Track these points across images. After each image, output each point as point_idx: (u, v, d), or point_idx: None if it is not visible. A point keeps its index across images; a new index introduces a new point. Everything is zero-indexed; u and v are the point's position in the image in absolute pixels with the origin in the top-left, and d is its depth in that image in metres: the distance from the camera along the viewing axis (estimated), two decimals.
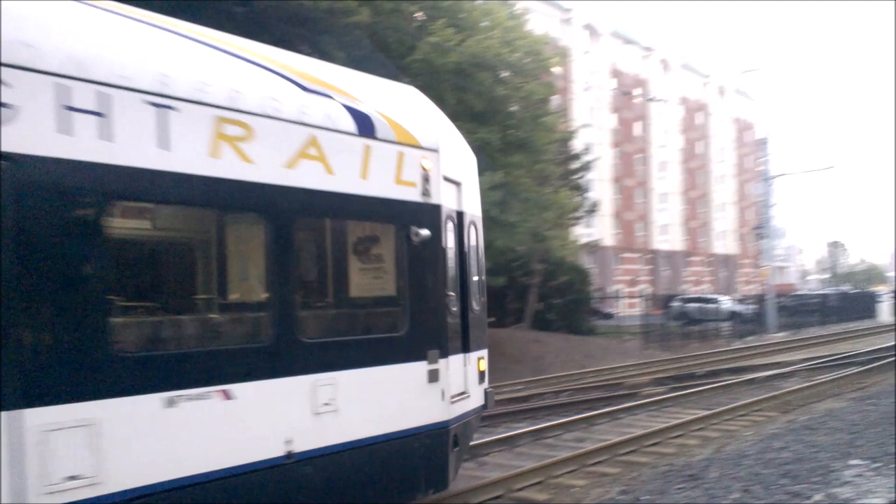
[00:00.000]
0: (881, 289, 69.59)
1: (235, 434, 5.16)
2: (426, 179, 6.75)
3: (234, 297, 6.14)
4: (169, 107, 4.87)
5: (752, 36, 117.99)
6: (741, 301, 43.30)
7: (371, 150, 6.19)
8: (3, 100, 4.12)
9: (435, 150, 6.83)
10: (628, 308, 46.56)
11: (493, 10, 20.21)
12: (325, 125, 5.86)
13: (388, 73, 9.05)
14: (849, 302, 49.57)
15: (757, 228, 64.03)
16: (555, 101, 29.17)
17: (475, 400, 7.69)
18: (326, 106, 5.96)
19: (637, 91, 61.93)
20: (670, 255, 71.95)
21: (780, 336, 34.49)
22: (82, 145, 4.45)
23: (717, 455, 10.50)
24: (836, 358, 22.80)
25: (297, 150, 5.66)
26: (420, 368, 6.66)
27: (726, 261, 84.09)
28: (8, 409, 4.05)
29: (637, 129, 67.49)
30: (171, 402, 4.80)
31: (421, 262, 6.69)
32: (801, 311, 41.90)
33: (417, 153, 6.64)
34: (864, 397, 15.31)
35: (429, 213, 6.75)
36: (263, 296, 5.69)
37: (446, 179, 7.02)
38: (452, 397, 7.02)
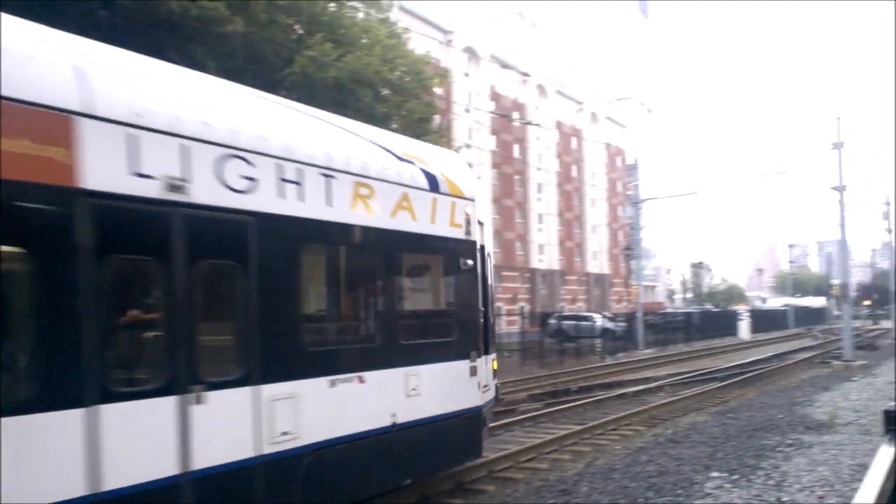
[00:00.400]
0: (741, 307, 74.10)
1: (366, 407, 7.30)
2: (468, 222, 9.03)
3: (363, 309, 8.15)
4: (331, 176, 6.98)
5: (624, 67, 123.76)
6: (613, 319, 44.85)
7: (437, 201, 8.44)
8: (250, 175, 6.13)
9: (473, 200, 9.15)
10: (507, 325, 47.34)
11: (373, 27, 20.12)
12: (411, 184, 8.07)
13: (264, 86, 8.72)
14: (711, 320, 52.32)
15: (627, 249, 66.97)
16: (436, 120, 29.37)
17: (492, 392, 9.80)
18: (411, 170, 8.15)
19: (515, 114, 63.53)
20: (548, 274, 73.92)
21: (649, 352, 35.93)
22: (289, 205, 6.50)
23: (588, 470, 10.67)
24: (699, 373, 23.93)
25: (396, 203, 7.83)
26: (465, 365, 8.89)
27: (599, 280, 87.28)
28: (253, 384, 6.06)
29: (516, 151, 69.18)
30: (332, 384, 6.90)
31: (465, 284, 9.08)
32: (667, 328, 43.81)
33: (463, 203, 8.92)
34: (724, 411, 16.07)
35: (470, 248, 9.07)
36: (380, 308, 7.88)
37: (478, 222, 9.32)
38: (483, 388, 9.22)
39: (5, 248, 4.74)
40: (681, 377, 22.87)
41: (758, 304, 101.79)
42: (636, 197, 52.99)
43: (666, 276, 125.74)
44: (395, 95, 20.34)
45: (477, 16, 67.58)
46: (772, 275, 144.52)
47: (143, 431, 5.26)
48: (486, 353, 9.50)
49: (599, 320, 42.81)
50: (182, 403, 5.51)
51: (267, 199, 6.27)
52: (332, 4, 19.60)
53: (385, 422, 7.53)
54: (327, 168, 6.93)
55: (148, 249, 5.58)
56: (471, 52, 61.82)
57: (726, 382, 21.22)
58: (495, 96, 65.69)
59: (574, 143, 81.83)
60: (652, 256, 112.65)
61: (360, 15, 20.67)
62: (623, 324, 41.25)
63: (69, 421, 4.79)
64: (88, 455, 4.87)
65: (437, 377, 8.35)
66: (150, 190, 5.41)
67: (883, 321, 65.81)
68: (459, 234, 8.89)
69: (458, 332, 8.86)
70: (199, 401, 5.61)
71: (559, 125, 77.39)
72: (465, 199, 8.94)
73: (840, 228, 28.66)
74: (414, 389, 7.93)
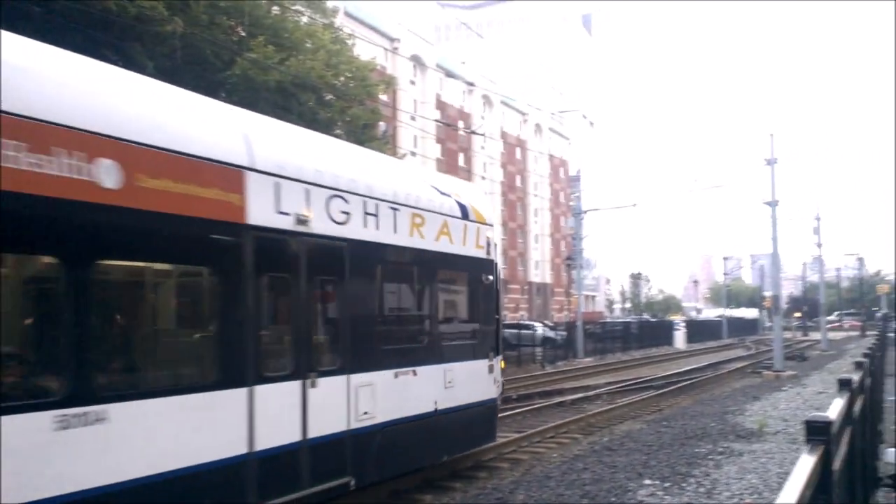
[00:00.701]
0: (677, 318, 75.77)
1: (418, 395, 9.23)
2: (488, 244, 11.08)
3: (415, 315, 9.77)
4: (396, 209, 8.89)
5: (568, 81, 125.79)
6: (554, 328, 45.30)
7: (467, 227, 10.51)
8: (345, 210, 7.97)
9: (491, 226, 11.33)
10: None
11: (317, 32, 19.93)
12: (449, 213, 10.11)
13: (204, 88, 8.55)
14: (649, 330, 53.34)
15: (569, 259, 67.71)
16: (381, 127, 29.26)
17: (500, 387, 11.59)
18: (450, 202, 10.21)
19: (461, 124, 63.81)
20: None
21: (588, 361, 36.38)
22: (369, 232, 8.38)
23: (525, 478, 10.71)
24: (636, 382, 24.33)
25: (439, 229, 9.84)
26: (485, 364, 10.95)
27: (541, 289, 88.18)
28: (346, 374, 7.92)
29: (461, 160, 69.48)
30: (396, 376, 8.78)
31: (485, 296, 11.10)
32: (606, 337, 44.48)
33: (485, 228, 11.04)
34: (659, 419, 16.34)
35: (489, 266, 11.13)
36: (427, 315, 9.81)
37: (494, 244, 11.38)
38: (496, 383, 11.24)
39: (201, 269, 6.78)
40: (618, 385, 23.23)
41: (693, 314, 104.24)
42: (578, 208, 53.66)
43: (606, 287, 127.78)
44: (339, 101, 20.16)
45: (423, 25, 67.84)
46: (707, 286, 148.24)
47: (279, 406, 7.06)
48: (497, 354, 11.44)
49: (540, 329, 43.17)
50: (303, 386, 7.38)
51: (356, 229, 8.26)
52: (275, 8, 19.36)
53: (430, 407, 9.53)
54: (394, 202, 8.94)
55: (285, 269, 7.41)
56: (417, 61, 61.92)
57: (662, 391, 21.62)
58: (441, 105, 65.92)
59: (518, 153, 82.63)
60: (592, 267, 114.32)
61: (304, 19, 20.44)
62: (563, 333, 41.68)
63: (237, 397, 6.62)
64: (248, 423, 6.68)
65: (465, 373, 10.36)
66: (287, 224, 7.25)
67: (812, 333, 68.11)
68: (482, 254, 11.01)
69: (479, 336, 11.02)
70: (313, 385, 7.50)
71: (504, 135, 78.05)
72: (486, 224, 11.15)
73: (772, 242, 29.55)
74: (449, 382, 9.96)
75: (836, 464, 3.22)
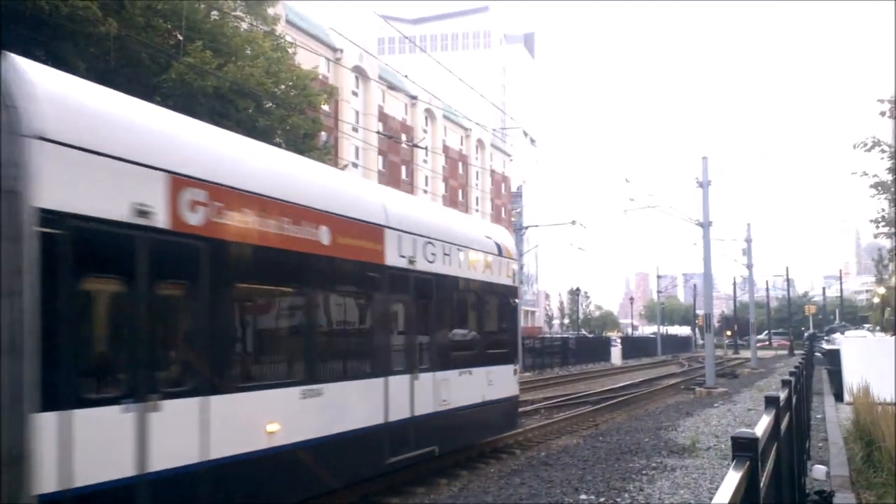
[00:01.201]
0: (613, 334, 76.90)
1: (473, 389, 12.38)
2: (514, 274, 14.62)
3: (470, 329, 13.13)
4: (461, 250, 12.30)
5: (511, 98, 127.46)
6: None
7: (501, 262, 13.86)
8: (433, 252, 11.31)
9: (516, 259, 14.93)
10: None
11: (257, 38, 19.65)
12: (490, 251, 13.46)
13: (138, 91, 8.27)
14: (586, 345, 53.98)
15: None
16: (322, 137, 28.98)
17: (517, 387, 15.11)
18: (490, 242, 13.64)
19: (403, 136, 63.85)
20: None
21: (527, 375, 36.53)
22: (446, 268, 11.74)
23: (462, 493, 10.62)
24: (573, 397, 24.51)
25: (485, 264, 13.25)
26: (511, 368, 14.29)
27: None
28: (433, 371, 11.21)
29: (403, 173, 69.45)
30: (460, 374, 12.00)
31: (510, 315, 14.57)
32: (545, 352, 44.82)
33: (511, 261, 14.51)
34: (595, 434, 16.46)
35: (514, 291, 14.72)
36: (476, 329, 13.23)
37: (515, 272, 14.99)
38: (517, 383, 14.90)
39: (366, 293, 9.96)
40: (556, 400, 23.35)
41: (629, 331, 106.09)
42: (519, 224, 54.14)
43: (545, 302, 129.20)
44: (279, 109, 19.88)
45: (367, 37, 67.75)
46: (643, 303, 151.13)
47: (399, 391, 10.36)
48: (517, 361, 15.27)
49: None
50: (411, 379, 10.71)
51: (438, 266, 11.65)
52: (214, 13, 19.02)
53: (479, 399, 12.82)
54: (459, 245, 12.43)
55: (403, 296, 10.77)
56: (359, 72, 61.76)
57: (598, 406, 21.83)
58: (383, 117, 65.83)
59: (461, 168, 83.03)
60: (533, 282, 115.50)
61: (244, 25, 20.13)
62: None
63: (379, 384, 9.98)
64: (384, 401, 10.02)
65: (500, 374, 13.66)
66: (404, 263, 10.61)
67: (742, 351, 70.02)
68: (509, 282, 14.51)
69: (508, 346, 14.39)
70: (416, 378, 10.80)
71: (446, 150, 78.38)
72: (512, 259, 14.69)
73: (705, 262, 30.27)
74: (490, 381, 13.20)
75: (763, 479, 3.22)
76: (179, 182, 6.77)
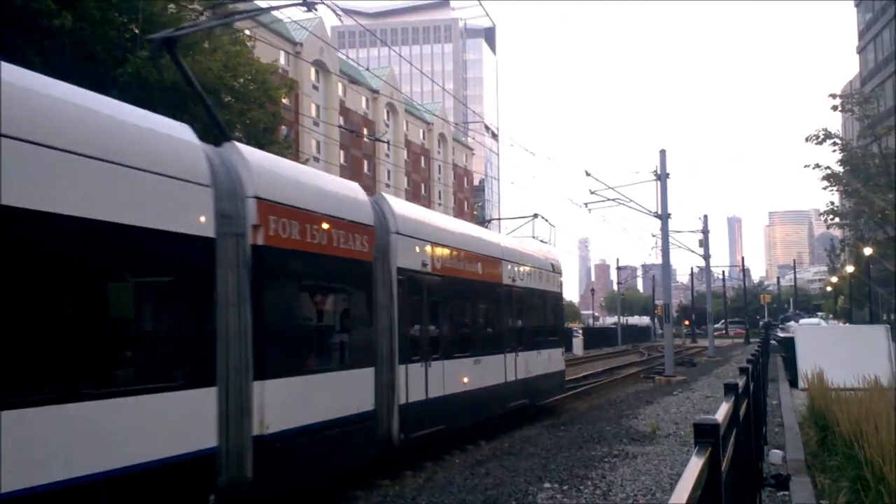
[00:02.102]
0: (575, 325, 77.64)
1: (542, 364, 17.89)
2: (560, 285, 20.38)
3: (537, 323, 18.39)
4: (535, 268, 18.03)
5: (473, 92, 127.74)
6: None
7: (554, 276, 19.67)
8: (524, 273, 17.17)
9: (561, 273, 20.50)
10: None
11: (215, 32, 19.37)
12: (547, 269, 19.06)
13: (94, 85, 8.07)
14: None
15: None
16: (283, 131, 28.71)
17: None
18: (547, 262, 19.28)
19: (365, 131, 63.54)
20: None
21: None
22: (529, 283, 17.59)
23: (427, 484, 10.66)
24: None
25: (544, 277, 18.66)
26: (561, 350, 19.91)
27: None
28: (521, 351, 16.41)
29: (366, 167, 69.13)
30: (538, 354, 17.72)
31: (559, 313, 20.63)
32: None
33: (559, 275, 20.20)
34: (557, 424, 16.65)
35: (560, 295, 20.69)
36: (541, 323, 18.68)
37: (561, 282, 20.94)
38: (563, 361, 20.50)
39: (493, 304, 15.54)
40: None
41: (590, 322, 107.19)
42: (481, 217, 54.33)
43: None
44: (238, 103, 19.65)
45: (326, 31, 67.16)
46: (603, 295, 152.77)
47: (508, 364, 15.56)
48: (563, 345, 21.35)
49: None
50: (514, 356, 15.86)
51: (525, 282, 16.99)
52: (171, 6, 18.71)
53: (545, 371, 17.99)
54: (534, 266, 17.85)
55: (510, 303, 16.15)
56: (320, 66, 61.24)
57: (560, 396, 22.04)
58: (345, 111, 65.41)
59: (423, 162, 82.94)
60: None
61: (203, 18, 19.83)
62: None
63: (500, 359, 15.35)
64: (504, 369, 15.49)
65: (555, 355, 19.15)
66: (510, 282, 16.03)
67: (700, 340, 71.21)
68: (559, 289, 20.35)
69: (559, 335, 20.31)
70: (516, 356, 15.98)
71: (409, 144, 78.21)
72: (560, 273, 20.38)
73: (663, 254, 30.78)
74: (550, 359, 18.51)
75: (724, 464, 3.33)
76: (443, 247, 13.05)
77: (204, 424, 7.17)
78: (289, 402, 8.42)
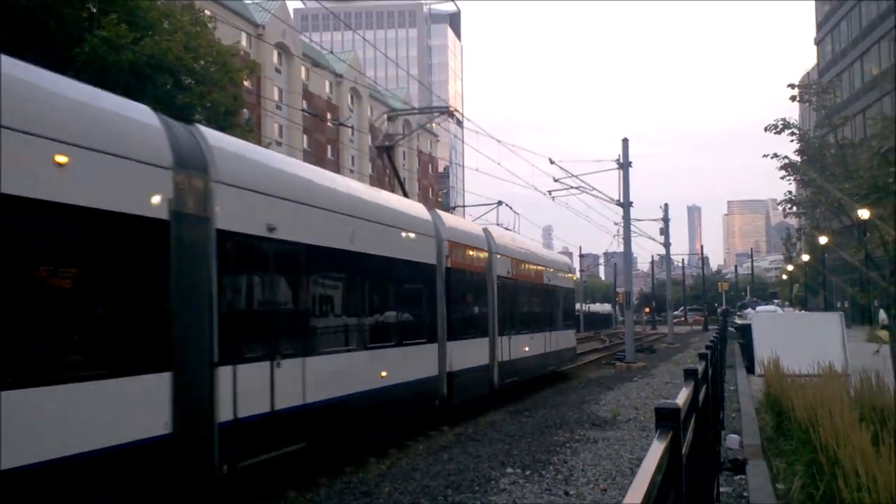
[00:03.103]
0: None
1: (563, 341, 24.47)
2: (573, 280, 29.32)
3: (553, 309, 23.65)
4: (557, 270, 24.97)
5: (437, 78, 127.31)
6: None
7: (568, 274, 27.11)
8: (552, 274, 24.23)
9: (573, 271, 31.65)
10: None
11: (175, 12, 19.00)
12: (565, 270, 26.85)
13: (50, 65, 7.79)
14: None
15: None
16: (244, 115, 28.29)
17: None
18: (563, 264, 27.37)
19: (328, 115, 62.92)
20: None
21: None
22: (552, 281, 23.90)
23: (391, 470, 10.67)
24: None
25: (564, 276, 25.90)
26: (573, 331, 27.26)
27: None
28: (548, 331, 22.48)
29: (329, 152, 68.52)
30: (562, 332, 24.52)
31: (572, 301, 28.22)
32: None
33: (571, 273, 28.86)
34: (521, 409, 16.79)
35: (573, 290, 28.93)
36: (556, 309, 24.00)
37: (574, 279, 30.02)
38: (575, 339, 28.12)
39: (546, 298, 23.35)
40: None
41: None
42: (446, 204, 54.27)
43: None
44: (198, 85, 19.30)
45: (289, 14, 66.25)
46: None
47: (541, 341, 21.45)
48: (575, 327, 29.34)
49: None
50: (545, 336, 21.95)
51: (553, 280, 23.75)
52: None
53: (564, 346, 24.56)
54: (557, 269, 24.84)
55: (551, 295, 23.62)
56: (282, 48, 60.41)
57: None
58: (308, 95, 64.67)
59: None
60: None
61: None
62: None
63: (541, 336, 21.60)
64: (544, 344, 21.87)
65: (570, 334, 25.87)
66: (547, 282, 23.34)
67: (660, 326, 72.25)
68: (572, 284, 27.65)
69: (572, 319, 27.42)
70: (549, 335, 22.52)
71: (373, 129, 77.71)
72: (572, 272, 28.94)
73: (625, 241, 31.09)
74: (567, 337, 25.01)
75: (684, 448, 3.36)
76: (522, 263, 20.37)
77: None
78: (470, 353, 15.82)
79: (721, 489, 8.09)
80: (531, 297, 21.06)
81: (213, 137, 8.45)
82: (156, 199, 7.11)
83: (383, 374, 11.69)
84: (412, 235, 13.19)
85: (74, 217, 6.25)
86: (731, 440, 10.72)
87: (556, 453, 11.12)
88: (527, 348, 19.59)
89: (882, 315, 27.58)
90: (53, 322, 6.32)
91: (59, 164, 6.16)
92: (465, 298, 16.04)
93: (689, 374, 4.67)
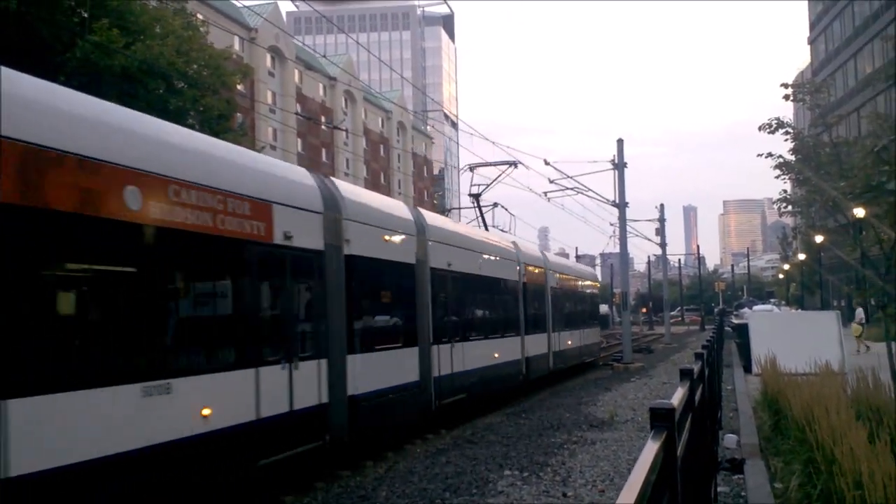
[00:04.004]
0: None
1: (591, 336, 29.76)
2: (598, 286, 37.63)
3: (583, 309, 29.20)
4: (585, 280, 31.37)
5: (431, 80, 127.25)
6: None
7: (594, 283, 35.02)
8: (587, 282, 32.31)
9: (599, 280, 41.69)
10: None
11: (166, 16, 18.94)
12: (592, 279, 34.62)
13: (41, 72, 7.72)
14: None
15: None
16: (238, 119, 28.25)
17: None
18: (590, 274, 35.34)
19: (322, 118, 62.86)
20: None
21: None
22: (586, 288, 31.26)
23: (388, 474, 10.61)
24: None
25: (591, 284, 32.76)
26: (598, 329, 33.27)
27: None
28: (581, 328, 27.49)
29: (324, 155, 68.46)
30: (591, 329, 30.10)
31: (598, 304, 36.77)
32: None
33: (597, 282, 38.16)
34: (518, 411, 16.73)
35: (598, 294, 36.78)
36: (585, 309, 29.60)
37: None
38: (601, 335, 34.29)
39: (582, 299, 29.67)
40: None
41: None
42: (442, 206, 54.22)
43: None
44: (191, 90, 19.25)
45: (282, 17, 66.22)
46: None
47: (580, 334, 27.19)
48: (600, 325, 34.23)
49: None
50: (579, 331, 27.06)
51: (586, 287, 30.72)
52: None
53: (592, 341, 29.79)
54: (586, 278, 31.71)
55: (591, 300, 32.28)
56: (276, 52, 60.36)
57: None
58: (302, 99, 64.61)
59: (382, 150, 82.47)
60: None
61: (153, 3, 19.37)
62: None
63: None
64: (580, 340, 27.23)
65: (594, 331, 30.61)
66: (589, 290, 32.23)
67: (657, 327, 72.25)
68: (597, 290, 35.18)
69: (596, 318, 32.70)
70: (583, 330, 28.01)
71: (367, 132, 77.68)
72: (597, 280, 38.30)
73: (621, 242, 31.09)
74: (594, 333, 30.57)
75: (679, 448, 3.33)
76: (561, 275, 25.83)
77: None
78: (536, 344, 21.13)
79: (719, 489, 8.05)
80: (571, 302, 26.79)
81: (342, 186, 11.38)
82: (317, 235, 10.00)
83: (496, 355, 17.35)
84: (506, 261, 18.97)
85: (285, 251, 9.28)
86: (729, 440, 10.70)
87: (553, 455, 11.08)
88: (569, 342, 25.01)
89: (859, 313, 27.66)
90: (378, 321, 12.07)
91: (297, 221, 9.55)
92: (535, 304, 21.23)
93: (685, 373, 4.65)
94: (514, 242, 20.89)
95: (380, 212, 12.20)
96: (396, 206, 13.50)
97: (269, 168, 9.90)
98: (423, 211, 14.67)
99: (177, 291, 7.80)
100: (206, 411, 7.51)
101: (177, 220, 7.30)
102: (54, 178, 6.10)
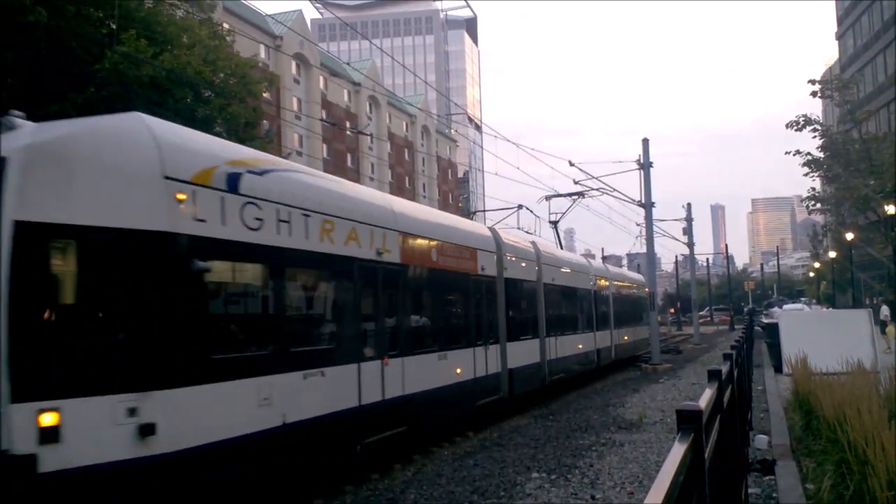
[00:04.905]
0: None
1: (635, 335, 32.20)
2: (645, 291, 33.24)
3: (625, 309, 30.95)
4: (637, 286, 35.52)
5: (455, 84, 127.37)
6: None
7: (643, 287, 34.83)
8: (636, 288, 35.12)
9: (646, 285, 33.65)
10: None
11: (193, 26, 19.19)
12: (640, 282, 36.48)
13: (71, 82, 7.93)
14: None
15: None
16: (264, 126, 28.53)
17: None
18: (639, 280, 37.15)
19: (347, 124, 63.21)
20: None
21: None
22: (634, 294, 34.46)
23: (417, 477, 10.66)
24: None
25: (637, 287, 35.08)
26: (647, 327, 31.26)
27: None
28: (613, 329, 28.06)
29: (349, 160, 68.81)
30: (634, 329, 32.46)
31: (645, 306, 32.16)
32: None
33: (645, 287, 33.89)
34: (545, 413, 16.70)
35: (645, 297, 32.37)
36: (624, 310, 30.67)
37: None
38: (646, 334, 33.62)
39: (628, 303, 32.35)
40: None
41: None
42: (467, 209, 54.25)
43: None
44: (218, 98, 19.48)
45: (306, 24, 66.69)
46: None
47: (618, 333, 28.80)
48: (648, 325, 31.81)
49: None
50: (618, 331, 28.65)
51: (633, 294, 33.70)
52: (148, 0, 18.53)
53: (640, 337, 32.57)
54: (637, 283, 35.74)
55: (635, 304, 33.31)
56: (300, 59, 60.83)
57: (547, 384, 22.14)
58: (327, 105, 65.00)
59: (407, 154, 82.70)
60: None
61: (180, 13, 19.64)
62: None
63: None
64: (593, 341, 24.98)
65: (643, 329, 32.26)
66: (636, 293, 34.38)
67: (686, 327, 71.61)
68: (644, 294, 32.80)
69: (643, 318, 32.53)
70: (620, 330, 29.13)
71: (392, 137, 77.94)
72: (645, 285, 33.84)
73: (647, 242, 30.86)
74: (641, 330, 32.52)
75: (707, 450, 3.33)
76: (610, 281, 29.42)
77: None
78: (604, 339, 26.57)
79: (750, 490, 7.99)
80: (627, 304, 31.26)
81: (502, 234, 17.22)
82: (493, 267, 15.73)
83: (580, 346, 22.76)
84: (582, 274, 24.13)
85: (482, 278, 15.25)
86: (760, 440, 10.60)
87: (581, 457, 11.05)
88: (626, 337, 29.98)
89: (885, 310, 27.19)
90: (520, 320, 17.47)
91: (485, 259, 15.55)
92: (602, 307, 26.47)
93: (713, 374, 4.62)
94: (587, 261, 28.24)
95: (517, 247, 17.80)
96: (525, 242, 19.21)
97: (472, 227, 16.29)
98: (538, 241, 21.31)
99: (451, 303, 14.30)
100: (458, 370, 13.61)
101: (448, 265, 13.64)
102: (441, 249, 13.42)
